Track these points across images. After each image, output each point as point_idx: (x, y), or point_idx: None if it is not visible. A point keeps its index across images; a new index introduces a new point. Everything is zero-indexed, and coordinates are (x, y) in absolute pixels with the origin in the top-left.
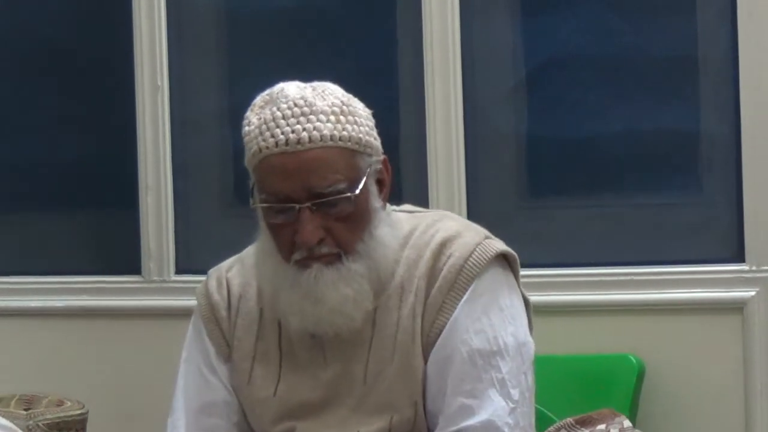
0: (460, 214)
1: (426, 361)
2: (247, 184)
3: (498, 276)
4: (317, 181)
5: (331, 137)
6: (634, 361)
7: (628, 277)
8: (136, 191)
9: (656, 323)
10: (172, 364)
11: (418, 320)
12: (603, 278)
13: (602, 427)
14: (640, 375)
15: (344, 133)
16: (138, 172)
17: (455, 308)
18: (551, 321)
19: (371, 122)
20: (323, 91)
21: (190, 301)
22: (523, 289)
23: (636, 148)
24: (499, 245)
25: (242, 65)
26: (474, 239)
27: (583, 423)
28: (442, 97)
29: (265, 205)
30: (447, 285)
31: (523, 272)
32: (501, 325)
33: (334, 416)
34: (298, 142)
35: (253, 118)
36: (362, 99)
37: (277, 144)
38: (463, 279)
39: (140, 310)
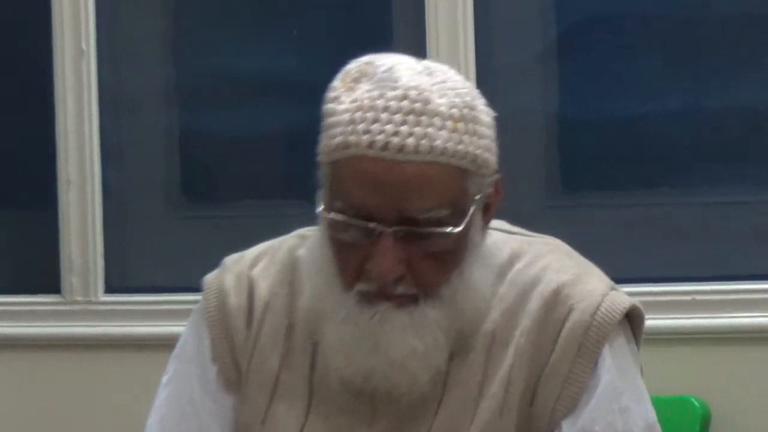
0: None
1: None
2: (200, 178)
3: (627, 339)
4: (414, 204)
5: (443, 151)
6: (697, 404)
7: (688, 297)
8: (54, 186)
9: (724, 356)
10: (98, 404)
11: (515, 390)
12: (655, 298)
13: None
14: (705, 422)
15: (460, 147)
16: (57, 161)
17: (588, 379)
18: None
19: (492, 132)
20: (443, 82)
21: (123, 328)
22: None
23: (697, 131)
24: (627, 299)
25: (193, 27)
26: (599, 288)
27: None
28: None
29: (336, 216)
30: (572, 349)
31: None
32: (638, 402)
33: None
34: (401, 150)
35: (345, 95)
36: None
37: (371, 145)
38: (591, 341)
39: (60, 339)
